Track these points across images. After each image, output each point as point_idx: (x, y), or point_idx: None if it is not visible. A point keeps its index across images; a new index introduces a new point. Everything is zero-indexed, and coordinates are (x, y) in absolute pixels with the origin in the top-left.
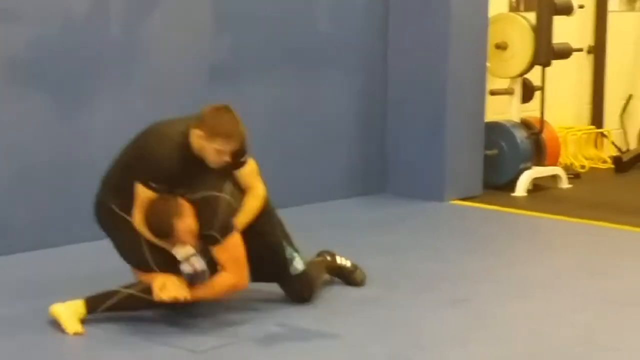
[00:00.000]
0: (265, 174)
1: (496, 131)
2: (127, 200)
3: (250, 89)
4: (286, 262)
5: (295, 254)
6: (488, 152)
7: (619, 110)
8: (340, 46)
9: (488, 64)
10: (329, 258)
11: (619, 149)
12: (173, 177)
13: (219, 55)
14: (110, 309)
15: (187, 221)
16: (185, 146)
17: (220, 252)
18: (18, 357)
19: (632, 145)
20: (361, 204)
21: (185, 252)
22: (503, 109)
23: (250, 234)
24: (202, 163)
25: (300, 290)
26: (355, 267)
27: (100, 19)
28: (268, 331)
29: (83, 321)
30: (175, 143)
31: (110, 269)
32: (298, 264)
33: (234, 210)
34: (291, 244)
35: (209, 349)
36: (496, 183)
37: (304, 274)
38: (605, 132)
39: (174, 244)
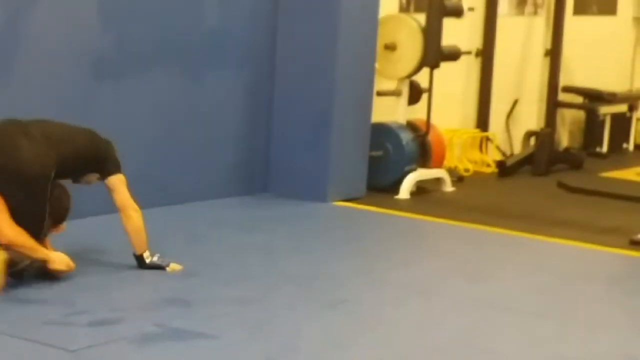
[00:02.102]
0: (147, 171)
1: (382, 132)
2: None
3: (134, 85)
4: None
5: None
6: (373, 153)
7: (504, 115)
8: (226, 43)
9: (377, 65)
10: None
11: (504, 153)
12: None
13: (102, 50)
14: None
15: None
16: None
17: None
18: None
19: (516, 150)
20: (243, 204)
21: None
22: (390, 111)
23: (26, 193)
24: None
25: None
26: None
27: None
28: (145, 331)
29: None
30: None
31: None
32: None
33: None
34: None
35: (83, 347)
36: (380, 185)
37: None
38: (491, 136)
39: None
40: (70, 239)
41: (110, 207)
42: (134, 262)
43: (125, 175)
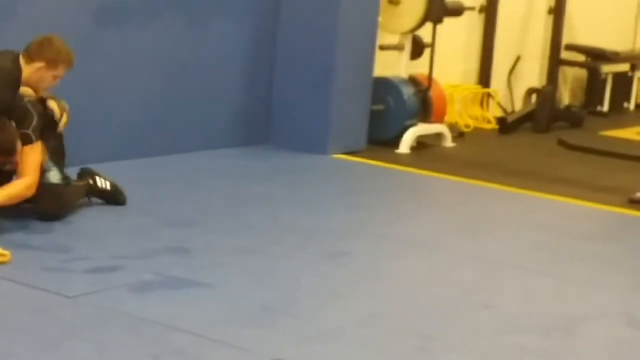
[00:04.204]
0: (149, 120)
1: (383, 87)
2: None
3: (137, 34)
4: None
5: (54, 168)
6: (374, 107)
7: (506, 71)
8: None
9: (380, 19)
10: (90, 181)
11: (505, 110)
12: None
13: None
14: None
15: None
16: (19, 77)
17: (28, 153)
18: None
19: (518, 107)
20: (244, 154)
21: None
22: (392, 65)
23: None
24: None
25: (45, 201)
26: (115, 187)
27: None
28: (143, 279)
29: None
30: (15, 75)
31: None
32: (51, 177)
33: (42, 124)
34: (55, 161)
35: (81, 294)
36: (381, 139)
37: (54, 186)
38: (492, 92)
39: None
40: None
41: (112, 154)
42: (134, 209)
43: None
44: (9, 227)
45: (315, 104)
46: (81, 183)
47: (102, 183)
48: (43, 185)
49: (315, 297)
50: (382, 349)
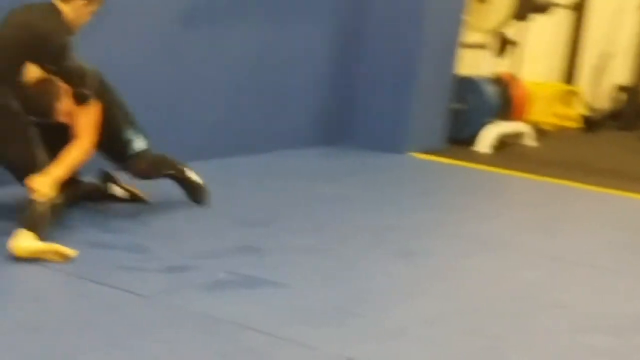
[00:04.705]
0: (231, 119)
1: (465, 85)
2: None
3: (223, 33)
4: (126, 143)
5: (136, 136)
6: (455, 105)
7: (592, 68)
8: None
9: (466, 17)
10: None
11: (590, 108)
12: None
13: (194, 0)
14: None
15: (65, 104)
16: (64, 20)
17: (83, 114)
18: None
19: (603, 105)
20: (322, 153)
21: None
22: (476, 63)
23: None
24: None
25: (139, 165)
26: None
27: None
28: (216, 279)
29: None
30: (60, 19)
31: None
32: (138, 144)
33: (97, 80)
34: (134, 127)
35: (156, 293)
36: (460, 137)
37: (145, 151)
38: (577, 90)
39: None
40: (146, 185)
41: (194, 154)
42: (210, 209)
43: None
44: (85, 225)
45: (395, 102)
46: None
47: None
48: (131, 157)
49: (386, 296)
50: (450, 349)
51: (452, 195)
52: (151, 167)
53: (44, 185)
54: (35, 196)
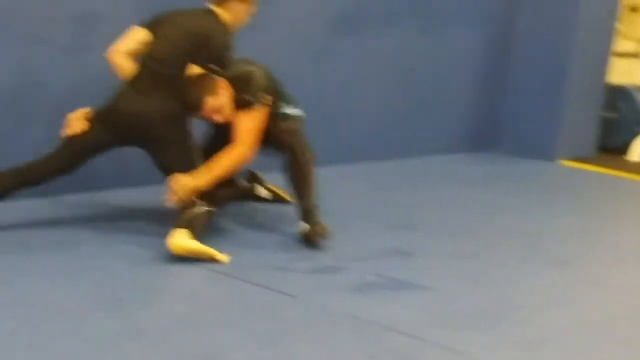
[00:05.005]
0: (380, 125)
1: (617, 93)
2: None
3: (373, 41)
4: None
5: (284, 106)
6: (606, 114)
7: None
8: (466, 0)
9: (618, 26)
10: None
11: None
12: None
13: (344, 6)
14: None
15: (218, 100)
16: (224, 22)
17: (243, 119)
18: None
19: None
20: (472, 160)
21: None
22: (628, 72)
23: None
24: None
25: (287, 124)
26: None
27: None
28: (363, 280)
29: None
30: (219, 21)
31: None
32: (293, 110)
33: (263, 86)
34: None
35: (303, 293)
36: (611, 146)
37: (298, 117)
38: None
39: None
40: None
41: (345, 157)
42: (360, 212)
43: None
44: (235, 225)
45: (545, 110)
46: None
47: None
48: (282, 115)
49: (532, 303)
50: (595, 356)
51: (601, 203)
52: (294, 134)
53: (184, 188)
54: (172, 198)
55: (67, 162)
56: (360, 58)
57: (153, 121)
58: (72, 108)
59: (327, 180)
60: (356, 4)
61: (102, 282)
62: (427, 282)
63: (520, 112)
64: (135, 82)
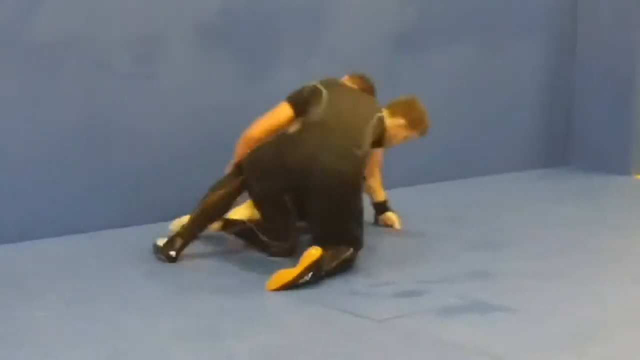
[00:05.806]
0: (446, 144)
1: None
2: None
3: (434, 58)
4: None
5: None
6: None
7: None
8: (528, 14)
9: None
10: None
11: None
12: None
13: (403, 24)
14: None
15: None
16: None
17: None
18: None
19: None
20: (543, 176)
21: None
22: None
23: None
24: None
25: None
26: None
27: None
28: (447, 303)
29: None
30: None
31: None
32: None
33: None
34: None
35: (389, 318)
36: None
37: None
38: None
39: None
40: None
41: (410, 179)
42: (436, 234)
43: None
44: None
45: (616, 122)
46: None
47: None
48: None
49: (622, 322)
50: None
51: None
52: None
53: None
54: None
55: None
56: (423, 75)
57: None
58: None
59: (401, 202)
60: (415, 21)
61: (191, 313)
62: (511, 303)
63: (590, 125)
64: None
